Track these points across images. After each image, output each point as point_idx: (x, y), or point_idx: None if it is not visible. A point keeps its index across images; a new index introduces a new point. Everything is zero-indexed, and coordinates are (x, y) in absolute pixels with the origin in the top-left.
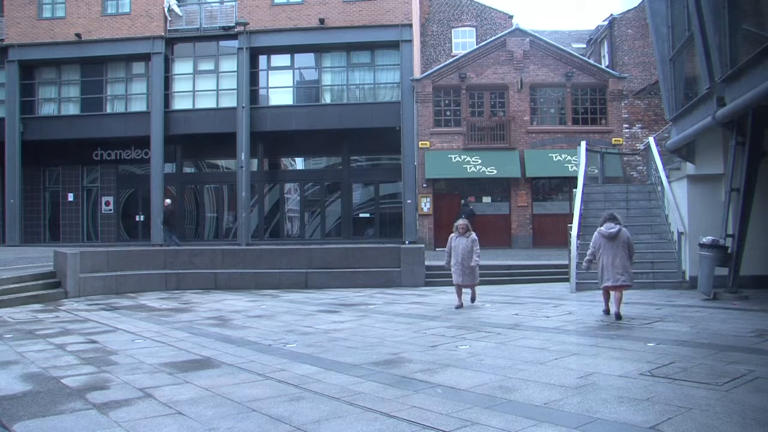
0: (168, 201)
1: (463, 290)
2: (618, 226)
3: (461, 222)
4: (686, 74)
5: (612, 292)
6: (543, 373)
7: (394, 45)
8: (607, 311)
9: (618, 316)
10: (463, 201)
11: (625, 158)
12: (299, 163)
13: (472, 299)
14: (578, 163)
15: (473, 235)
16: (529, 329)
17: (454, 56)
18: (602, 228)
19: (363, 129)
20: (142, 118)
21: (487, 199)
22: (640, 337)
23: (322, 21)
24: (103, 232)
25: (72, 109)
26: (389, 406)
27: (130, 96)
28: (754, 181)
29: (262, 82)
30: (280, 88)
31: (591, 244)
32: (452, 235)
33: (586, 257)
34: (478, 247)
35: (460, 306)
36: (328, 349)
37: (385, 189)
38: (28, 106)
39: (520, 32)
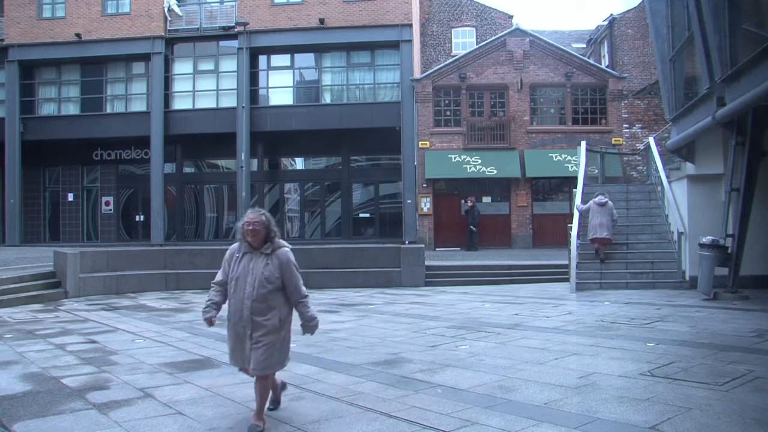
0: None
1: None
2: (606, 199)
3: (253, 217)
4: (686, 74)
5: (599, 245)
6: (543, 373)
7: (394, 45)
8: (597, 254)
9: (602, 261)
10: (467, 202)
11: (625, 158)
12: (299, 163)
13: (275, 401)
14: (578, 163)
15: (287, 253)
16: (529, 329)
17: (454, 56)
18: (595, 199)
19: (363, 129)
20: (142, 118)
21: (487, 199)
22: (640, 337)
23: (322, 21)
24: (103, 232)
25: (72, 109)
26: (389, 406)
27: (130, 96)
28: (754, 181)
29: (262, 82)
30: (280, 88)
31: (586, 206)
32: (233, 252)
33: (583, 206)
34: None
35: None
36: (328, 349)
37: (385, 189)
38: (28, 106)
39: (520, 32)
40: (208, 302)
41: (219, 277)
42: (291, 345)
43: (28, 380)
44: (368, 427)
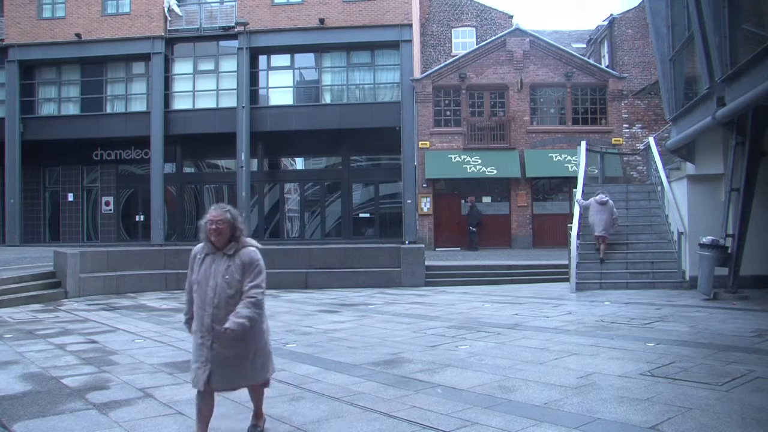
0: None
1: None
2: (607, 198)
3: (216, 214)
4: (686, 74)
5: (602, 243)
6: (543, 373)
7: (394, 45)
8: (598, 251)
9: (602, 261)
10: (467, 202)
11: (625, 158)
12: (299, 163)
13: (256, 415)
14: (578, 163)
15: (251, 253)
16: (529, 329)
17: (454, 56)
18: (596, 198)
19: (363, 129)
20: (142, 118)
21: (487, 199)
22: (640, 337)
23: (322, 21)
24: (103, 232)
25: (72, 109)
26: (389, 406)
27: (130, 96)
28: (754, 181)
29: (262, 82)
30: (280, 88)
31: (587, 202)
32: (196, 253)
33: (584, 201)
34: (260, 279)
35: None
36: (328, 349)
37: (385, 189)
38: (28, 106)
39: (520, 32)
40: (186, 318)
41: (188, 284)
42: (291, 345)
43: (28, 380)
44: (368, 427)
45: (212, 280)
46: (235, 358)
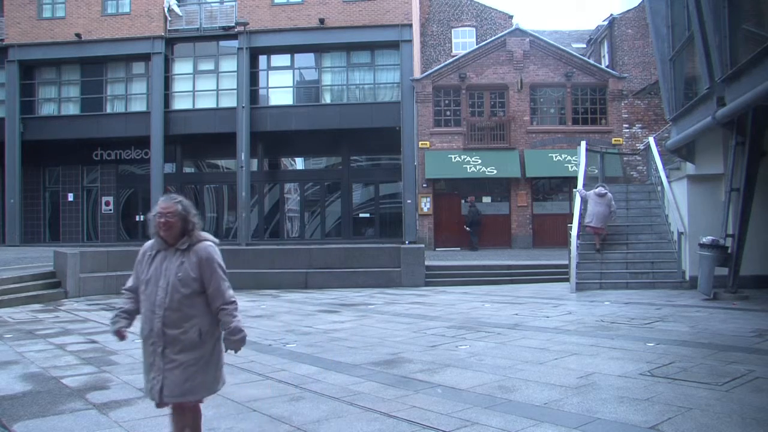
0: None
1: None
2: (606, 191)
3: (166, 206)
4: (686, 74)
5: (595, 233)
6: (543, 373)
7: (394, 45)
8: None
9: (599, 251)
10: (466, 202)
11: (625, 158)
12: (299, 163)
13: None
14: (578, 163)
15: (208, 248)
16: (529, 329)
17: (454, 56)
18: (595, 190)
19: (363, 129)
20: (142, 118)
21: (487, 199)
22: (640, 337)
23: (322, 21)
24: (103, 232)
25: (72, 109)
26: (389, 406)
27: (130, 96)
28: (754, 181)
29: (262, 82)
30: (280, 88)
31: (587, 193)
32: (145, 250)
33: (585, 191)
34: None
35: None
36: (328, 349)
37: (385, 189)
38: (28, 106)
39: (520, 32)
40: (117, 311)
41: (130, 282)
42: (291, 345)
43: (28, 380)
44: (368, 427)
45: (163, 279)
46: (188, 367)
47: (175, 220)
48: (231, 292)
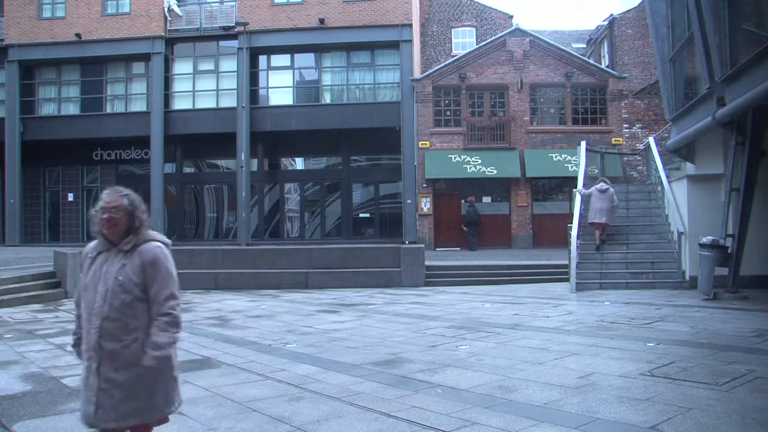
0: None
1: None
2: (608, 186)
3: (110, 200)
4: (686, 74)
5: (596, 230)
6: (543, 373)
7: (394, 45)
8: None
9: (598, 248)
10: (465, 201)
11: (625, 158)
12: (299, 163)
13: None
14: (578, 163)
15: (155, 250)
16: (529, 329)
17: (454, 56)
18: (597, 186)
19: (363, 129)
20: (142, 118)
21: (487, 199)
22: (640, 337)
23: (322, 21)
24: None
25: (72, 109)
26: (389, 406)
27: (130, 96)
28: (754, 181)
29: (262, 82)
30: (280, 88)
31: (588, 191)
32: (86, 252)
33: (585, 191)
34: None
35: None
36: (328, 349)
37: (385, 189)
38: (28, 106)
39: (520, 32)
40: (73, 336)
41: (76, 294)
42: (291, 345)
43: (28, 380)
44: (368, 427)
45: (102, 284)
46: (128, 387)
47: (120, 216)
48: (173, 303)
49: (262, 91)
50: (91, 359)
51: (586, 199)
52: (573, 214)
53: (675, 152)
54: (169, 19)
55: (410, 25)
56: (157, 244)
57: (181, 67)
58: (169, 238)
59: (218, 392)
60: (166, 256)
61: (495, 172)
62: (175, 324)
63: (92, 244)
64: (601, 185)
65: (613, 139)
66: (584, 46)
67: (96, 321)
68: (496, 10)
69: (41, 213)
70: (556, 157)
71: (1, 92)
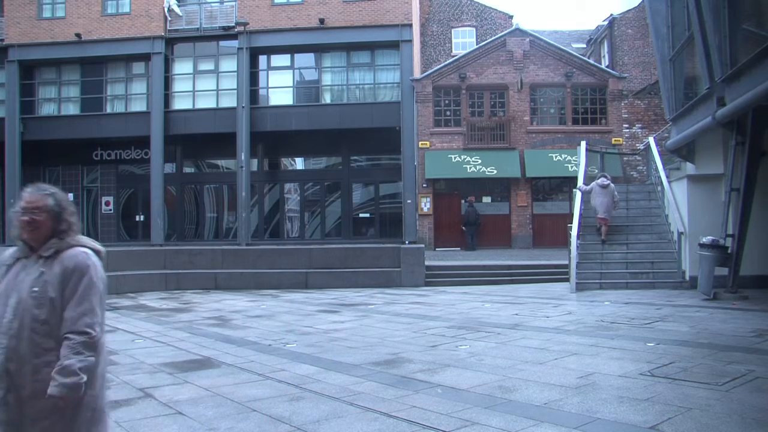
0: None
1: None
2: (608, 181)
3: (33, 199)
4: (686, 74)
5: (603, 225)
6: (543, 373)
7: (394, 45)
8: (599, 233)
9: (604, 242)
10: (464, 201)
11: (625, 158)
12: (299, 163)
13: None
14: (578, 163)
15: (79, 257)
16: (529, 329)
17: (454, 56)
18: (598, 181)
19: (363, 129)
20: (142, 118)
21: (487, 199)
22: (640, 337)
23: (322, 21)
24: (103, 232)
25: (72, 109)
26: (389, 406)
27: (130, 96)
28: (754, 181)
29: (262, 82)
30: (280, 88)
31: (589, 187)
32: (4, 260)
33: (585, 187)
34: None
35: None
36: (328, 349)
37: (385, 189)
38: (28, 106)
39: (520, 32)
40: None
41: None
42: (291, 345)
43: None
44: (368, 427)
45: (14, 296)
46: (39, 421)
47: (44, 218)
48: (91, 320)
49: (262, 91)
50: None
51: (586, 195)
52: (573, 214)
53: (675, 152)
54: (169, 19)
55: (410, 25)
56: (83, 250)
57: (181, 67)
58: (168, 238)
59: (218, 392)
60: (93, 264)
61: (495, 172)
62: (91, 346)
63: (11, 250)
64: (603, 180)
65: (613, 139)
66: (584, 46)
67: (3, 340)
68: (496, 10)
69: None
70: (556, 157)
71: (1, 92)
